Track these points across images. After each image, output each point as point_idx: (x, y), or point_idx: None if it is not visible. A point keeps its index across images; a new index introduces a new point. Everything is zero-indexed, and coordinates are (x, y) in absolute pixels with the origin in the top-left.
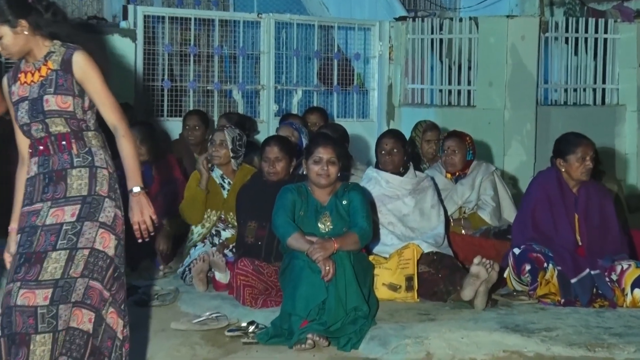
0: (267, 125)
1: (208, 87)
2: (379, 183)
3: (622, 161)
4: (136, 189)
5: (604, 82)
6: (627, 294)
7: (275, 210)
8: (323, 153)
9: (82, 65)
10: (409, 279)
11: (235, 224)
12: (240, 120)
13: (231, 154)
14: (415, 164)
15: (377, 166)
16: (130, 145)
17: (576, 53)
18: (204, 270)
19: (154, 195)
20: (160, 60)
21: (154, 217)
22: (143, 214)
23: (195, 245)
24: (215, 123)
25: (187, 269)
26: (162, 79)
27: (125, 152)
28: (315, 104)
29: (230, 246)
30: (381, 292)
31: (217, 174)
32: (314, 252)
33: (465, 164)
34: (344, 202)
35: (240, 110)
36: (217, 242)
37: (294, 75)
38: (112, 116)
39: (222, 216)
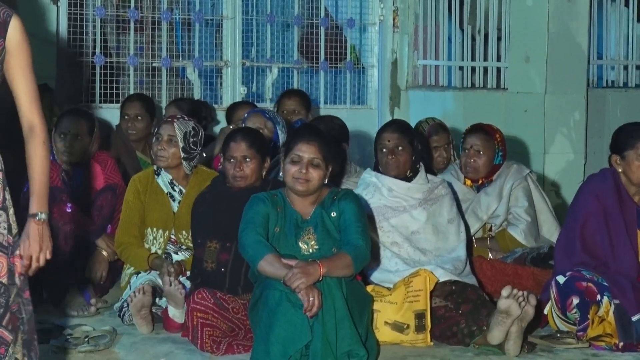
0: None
1: (154, 64)
2: (380, 191)
3: None
4: (41, 216)
5: None
6: None
7: (242, 226)
8: (304, 151)
9: (20, 33)
10: (420, 316)
11: (191, 244)
12: (193, 107)
13: (182, 154)
14: (427, 166)
15: (376, 169)
16: (47, 155)
17: (639, 20)
18: (146, 305)
19: (83, 207)
20: (90, 28)
21: (49, 256)
22: (42, 248)
23: (137, 273)
24: (163, 112)
25: (125, 303)
26: (93, 53)
27: (39, 163)
28: (295, 86)
29: (187, 273)
30: (383, 333)
31: (164, 179)
32: (294, 279)
33: (491, 170)
34: (333, 215)
35: (197, 94)
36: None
37: (268, 48)
38: (33, 111)
39: (172, 236)
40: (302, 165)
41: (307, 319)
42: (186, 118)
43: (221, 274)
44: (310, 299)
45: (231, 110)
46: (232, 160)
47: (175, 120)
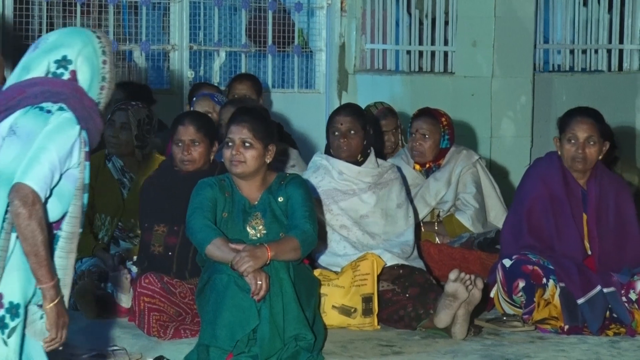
0: (181, 98)
1: None
2: (330, 174)
3: None
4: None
5: (621, 41)
6: None
7: (190, 211)
8: (235, 133)
9: None
10: (367, 300)
11: (139, 231)
12: (135, 90)
13: (136, 142)
14: (378, 150)
15: (327, 152)
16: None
17: (585, 4)
18: (90, 290)
19: None
20: (36, 12)
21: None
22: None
23: (80, 260)
24: None
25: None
26: (39, 37)
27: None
28: (242, 70)
29: (134, 258)
30: (331, 317)
31: (115, 165)
32: (241, 262)
33: (438, 153)
34: (280, 200)
35: (144, 78)
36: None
37: (215, 32)
38: None
39: (120, 224)
40: (234, 147)
41: (255, 303)
42: (140, 104)
43: (168, 258)
44: (258, 282)
45: (193, 91)
46: (179, 144)
47: (129, 107)
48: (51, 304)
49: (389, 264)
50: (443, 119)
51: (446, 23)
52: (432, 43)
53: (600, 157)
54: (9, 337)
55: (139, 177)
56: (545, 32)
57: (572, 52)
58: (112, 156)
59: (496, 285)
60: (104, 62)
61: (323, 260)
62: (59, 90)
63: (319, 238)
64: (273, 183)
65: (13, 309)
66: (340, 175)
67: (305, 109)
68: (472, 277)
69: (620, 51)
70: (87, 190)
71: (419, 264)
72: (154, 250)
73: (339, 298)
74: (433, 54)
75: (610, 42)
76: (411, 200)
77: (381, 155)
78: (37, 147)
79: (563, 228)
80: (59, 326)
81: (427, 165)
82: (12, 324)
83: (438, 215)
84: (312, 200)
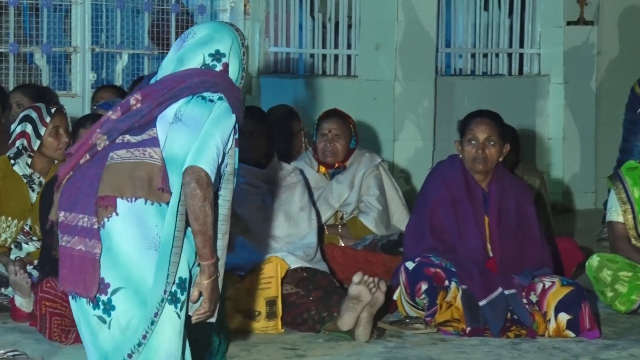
0: (82, 101)
1: (0, 50)
2: None
3: (545, 147)
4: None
5: (521, 45)
6: (549, 320)
7: None
8: None
9: None
10: (271, 303)
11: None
12: (37, 93)
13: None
14: (287, 153)
15: None
16: None
17: (486, 8)
18: None
19: None
20: None
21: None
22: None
23: None
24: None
25: None
26: None
27: None
28: (146, 72)
29: (35, 262)
30: (235, 320)
31: (22, 164)
32: None
33: (347, 155)
34: None
35: (45, 80)
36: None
37: (118, 34)
38: None
39: (27, 227)
40: None
41: None
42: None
43: None
44: None
45: (97, 93)
46: None
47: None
48: (209, 279)
49: (292, 267)
50: (350, 120)
51: (349, 27)
52: (336, 46)
53: (500, 159)
54: (180, 310)
55: (47, 180)
56: (447, 36)
57: (473, 56)
58: (19, 159)
59: (399, 288)
60: (244, 54)
61: (227, 264)
62: (215, 81)
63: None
64: None
65: (182, 284)
66: (243, 178)
67: None
68: (376, 279)
69: (521, 55)
70: (236, 175)
71: (322, 266)
72: (56, 254)
73: (243, 301)
74: (336, 57)
75: (510, 46)
76: (314, 203)
77: (290, 157)
78: (205, 133)
79: (465, 230)
80: (213, 300)
81: (337, 166)
82: (182, 298)
83: (341, 218)
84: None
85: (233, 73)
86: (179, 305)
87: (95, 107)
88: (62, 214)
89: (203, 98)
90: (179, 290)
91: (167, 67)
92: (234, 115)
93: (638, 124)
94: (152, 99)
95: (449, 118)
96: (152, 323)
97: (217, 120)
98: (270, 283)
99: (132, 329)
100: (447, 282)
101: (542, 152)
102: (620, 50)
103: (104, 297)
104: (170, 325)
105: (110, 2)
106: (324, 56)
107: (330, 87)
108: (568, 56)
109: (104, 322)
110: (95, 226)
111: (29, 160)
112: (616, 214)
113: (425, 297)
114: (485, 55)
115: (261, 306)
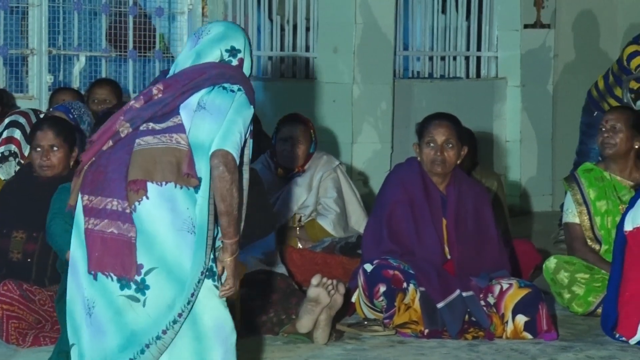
0: (39, 103)
1: None
2: None
3: (502, 150)
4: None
5: (478, 49)
6: (507, 322)
7: (50, 216)
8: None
9: None
10: (229, 305)
11: None
12: None
13: None
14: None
15: None
16: None
17: (444, 11)
18: None
19: None
20: None
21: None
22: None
23: None
24: None
25: None
26: None
27: None
28: (103, 75)
29: None
30: None
31: (7, 169)
32: None
33: (306, 159)
34: None
35: (2, 83)
36: None
37: (75, 37)
38: None
39: None
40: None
41: None
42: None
43: (27, 265)
44: None
45: (54, 95)
46: (38, 149)
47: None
48: (232, 257)
49: (251, 269)
50: (309, 124)
51: (307, 29)
52: (294, 49)
53: (458, 162)
54: (217, 282)
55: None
56: (405, 39)
57: (431, 59)
58: (3, 164)
59: (357, 290)
60: (251, 52)
61: None
62: (233, 74)
63: None
64: None
65: (215, 259)
66: None
67: None
68: (334, 282)
69: (478, 58)
70: (248, 165)
71: (281, 269)
72: (13, 257)
73: None
74: (295, 60)
75: (468, 49)
76: (273, 206)
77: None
78: (229, 120)
79: (423, 233)
80: (236, 276)
81: (297, 170)
82: (217, 272)
83: (300, 220)
84: None
85: (246, 68)
86: (215, 277)
87: (51, 109)
88: (85, 197)
89: (224, 88)
90: (213, 265)
91: (185, 61)
92: (252, 107)
93: (594, 127)
94: (174, 88)
95: (407, 121)
96: (189, 302)
97: (240, 109)
98: None
99: (168, 306)
100: (405, 284)
101: (500, 154)
102: (577, 53)
103: (137, 277)
104: (212, 293)
105: (67, 4)
106: (282, 59)
107: (289, 90)
108: (525, 59)
109: (137, 300)
110: (128, 210)
111: (17, 168)
112: (572, 215)
113: (383, 299)
114: (443, 58)
115: None
